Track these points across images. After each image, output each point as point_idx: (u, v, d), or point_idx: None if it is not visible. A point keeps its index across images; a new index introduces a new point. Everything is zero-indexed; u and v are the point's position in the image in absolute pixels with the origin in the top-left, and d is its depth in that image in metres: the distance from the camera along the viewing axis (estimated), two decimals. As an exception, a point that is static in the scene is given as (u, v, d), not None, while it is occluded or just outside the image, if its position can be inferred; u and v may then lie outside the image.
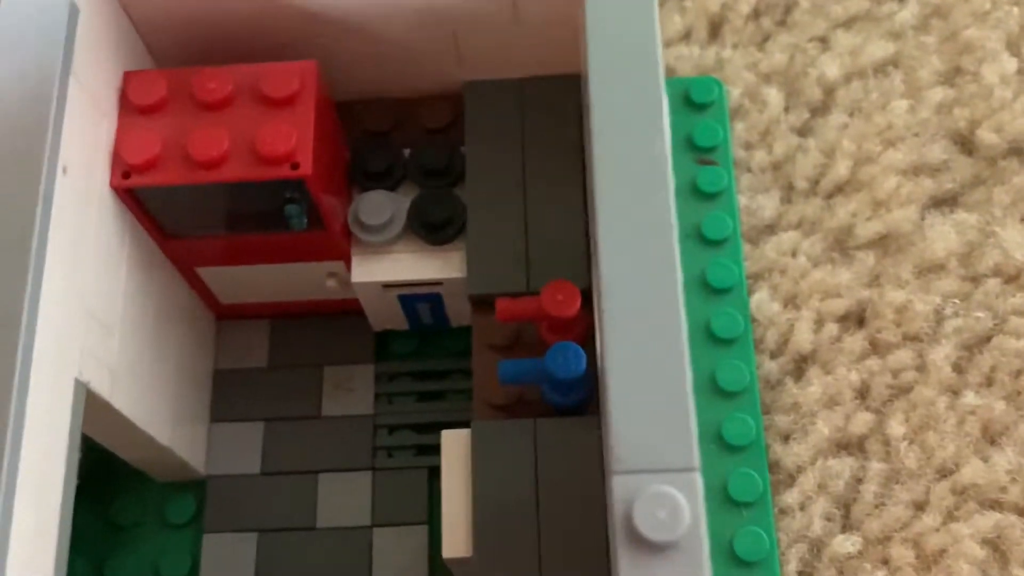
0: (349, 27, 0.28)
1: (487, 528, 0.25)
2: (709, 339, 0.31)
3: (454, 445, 0.26)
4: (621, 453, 0.19)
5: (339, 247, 0.28)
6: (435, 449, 0.29)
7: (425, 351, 0.32)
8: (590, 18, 0.23)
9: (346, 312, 0.31)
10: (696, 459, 0.19)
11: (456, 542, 0.25)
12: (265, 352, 0.32)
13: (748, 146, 0.34)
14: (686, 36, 0.36)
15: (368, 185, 0.29)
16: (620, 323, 0.20)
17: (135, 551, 0.30)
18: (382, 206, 0.28)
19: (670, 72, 0.36)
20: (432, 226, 0.28)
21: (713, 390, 0.31)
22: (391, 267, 0.29)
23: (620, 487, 0.19)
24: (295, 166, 0.25)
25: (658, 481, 0.19)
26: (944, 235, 0.32)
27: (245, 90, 0.26)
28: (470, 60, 0.29)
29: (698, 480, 0.19)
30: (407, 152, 0.29)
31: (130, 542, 0.30)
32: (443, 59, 0.29)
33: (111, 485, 0.30)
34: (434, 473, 0.30)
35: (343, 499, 0.30)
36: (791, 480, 0.30)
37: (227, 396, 0.31)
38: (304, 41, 0.28)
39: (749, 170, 0.34)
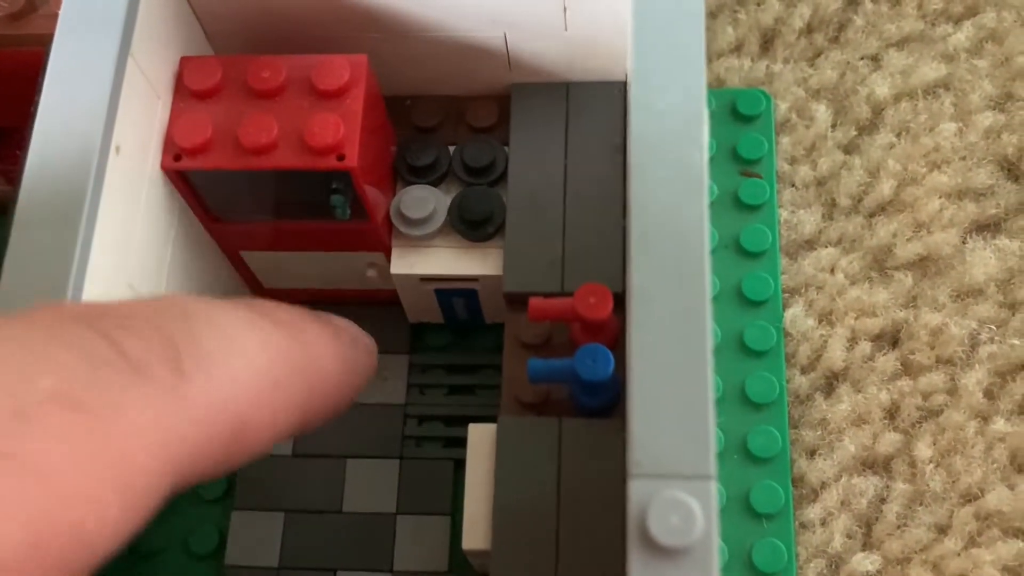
0: (402, 25, 0.28)
1: (506, 522, 0.25)
2: (741, 350, 0.31)
3: (480, 438, 0.27)
4: (639, 457, 0.19)
5: (380, 239, 0.29)
6: (462, 442, 0.29)
7: (458, 345, 0.32)
8: (636, 26, 0.23)
9: (383, 303, 0.32)
10: (713, 468, 0.19)
11: (476, 534, 0.26)
12: (303, 337, 0.32)
13: (793, 160, 0.34)
14: (737, 48, 0.36)
15: (411, 179, 0.29)
16: (646, 329, 0.21)
17: (165, 523, 0.31)
18: (424, 200, 0.29)
19: (719, 83, 0.36)
20: (472, 223, 0.29)
21: (741, 401, 0.31)
22: (429, 261, 0.29)
23: (636, 491, 0.19)
24: (341, 157, 0.26)
25: (674, 487, 0.19)
26: (984, 260, 0.32)
27: (296, 80, 0.27)
28: (518, 64, 0.29)
29: (714, 488, 0.19)
30: (451, 149, 0.30)
31: (160, 514, 0.31)
32: (493, 61, 0.29)
33: (146, 458, 0.31)
34: (460, 465, 0.30)
35: (370, 485, 0.30)
36: (814, 495, 0.30)
37: (264, 378, 0.32)
38: (357, 36, 0.28)
39: (792, 185, 0.34)
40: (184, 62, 0.27)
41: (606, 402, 0.26)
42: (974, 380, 0.31)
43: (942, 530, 0.30)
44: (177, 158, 0.26)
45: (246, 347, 0.20)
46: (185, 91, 0.27)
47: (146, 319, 0.19)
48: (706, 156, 0.22)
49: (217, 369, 0.19)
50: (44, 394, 0.17)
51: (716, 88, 0.36)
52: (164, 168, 0.26)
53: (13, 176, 0.32)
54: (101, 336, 0.18)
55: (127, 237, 0.25)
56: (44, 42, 0.28)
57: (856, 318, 0.32)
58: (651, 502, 0.19)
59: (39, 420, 0.16)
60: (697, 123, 0.22)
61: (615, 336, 0.26)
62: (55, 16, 0.25)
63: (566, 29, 0.28)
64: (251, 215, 0.29)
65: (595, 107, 0.29)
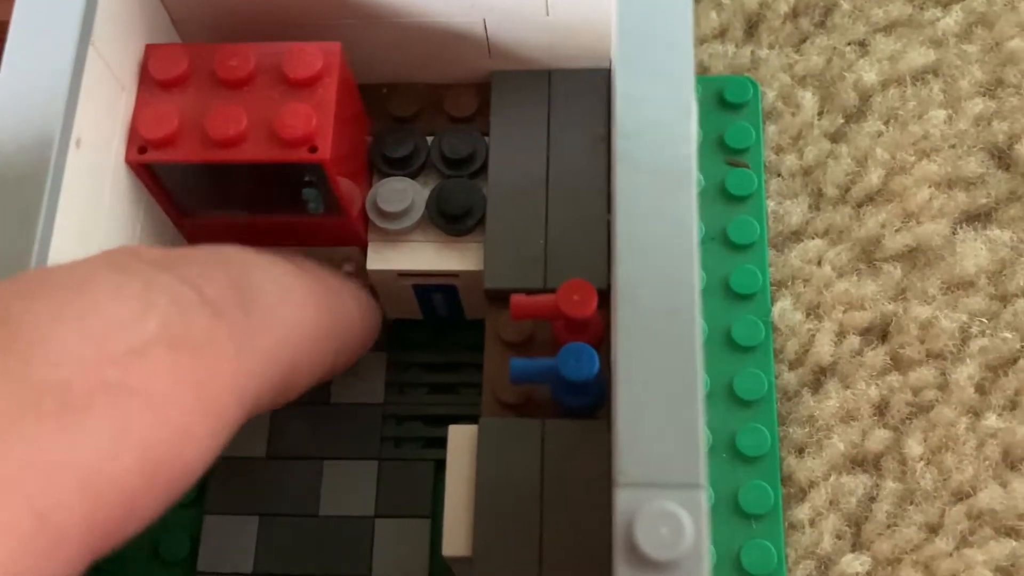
0: (377, 11, 0.27)
1: (488, 528, 0.24)
2: (728, 346, 0.31)
3: (461, 440, 0.26)
4: (626, 466, 0.19)
5: (356, 233, 0.28)
6: (443, 442, 0.28)
7: (439, 343, 0.31)
8: (621, 10, 0.22)
9: (360, 298, 0.31)
10: (703, 476, 0.19)
11: (456, 540, 0.25)
12: (277, 334, 0.31)
13: (779, 149, 0.34)
14: (721, 33, 0.35)
15: (388, 171, 0.28)
16: (632, 329, 0.20)
17: (135, 528, 0.30)
18: (402, 193, 0.28)
19: (703, 70, 0.35)
20: (451, 217, 0.28)
21: (730, 398, 0.30)
22: (407, 256, 0.28)
23: (623, 501, 0.18)
24: (313, 149, 0.25)
25: (662, 497, 0.18)
26: (975, 251, 0.31)
27: (267, 69, 0.25)
28: (499, 50, 0.28)
29: (703, 497, 0.18)
30: (430, 140, 0.29)
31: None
32: (472, 48, 0.28)
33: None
34: (440, 467, 0.29)
35: (347, 487, 0.29)
36: (803, 494, 0.30)
37: (236, 376, 0.31)
38: (331, 23, 0.27)
39: (778, 174, 0.33)
40: (149, 50, 0.26)
41: (590, 402, 0.25)
42: (965, 375, 0.30)
43: (933, 530, 0.29)
44: (142, 151, 0.25)
45: (295, 296, 0.23)
46: (150, 81, 0.25)
47: (215, 266, 0.21)
48: (695, 146, 0.21)
49: (275, 313, 0.22)
50: (151, 334, 0.18)
51: (701, 75, 0.35)
52: (128, 161, 0.25)
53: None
54: (186, 283, 0.20)
55: (89, 234, 0.24)
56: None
57: (844, 311, 0.31)
58: (638, 513, 0.18)
59: (150, 357, 0.18)
60: (685, 112, 0.21)
61: (600, 334, 0.25)
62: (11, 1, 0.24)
63: (548, 14, 0.27)
64: (220, 209, 0.28)
65: (578, 95, 0.28)
